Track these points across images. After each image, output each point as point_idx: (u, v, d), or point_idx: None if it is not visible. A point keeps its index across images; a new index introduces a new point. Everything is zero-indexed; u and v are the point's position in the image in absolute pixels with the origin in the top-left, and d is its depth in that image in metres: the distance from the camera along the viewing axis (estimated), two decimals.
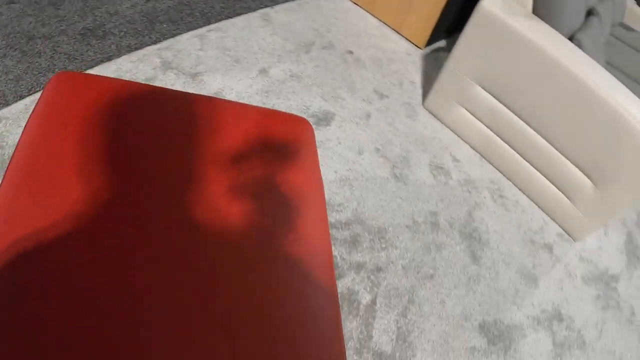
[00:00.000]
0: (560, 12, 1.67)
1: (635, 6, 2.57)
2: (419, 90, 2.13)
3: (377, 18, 2.39)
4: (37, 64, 1.61)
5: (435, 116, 2.04)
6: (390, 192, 1.68)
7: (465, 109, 1.92)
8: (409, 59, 2.26)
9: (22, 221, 0.72)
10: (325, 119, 1.82)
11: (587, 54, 1.68)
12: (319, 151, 1.73)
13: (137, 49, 1.75)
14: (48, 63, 1.62)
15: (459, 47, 1.80)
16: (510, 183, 1.94)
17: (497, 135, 1.88)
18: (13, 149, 1.36)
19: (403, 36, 2.36)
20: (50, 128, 0.86)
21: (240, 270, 0.80)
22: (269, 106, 1.77)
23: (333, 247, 1.48)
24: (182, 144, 0.94)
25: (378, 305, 1.40)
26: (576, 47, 1.62)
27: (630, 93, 1.56)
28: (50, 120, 0.87)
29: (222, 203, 0.87)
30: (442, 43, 2.46)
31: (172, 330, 0.69)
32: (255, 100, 1.78)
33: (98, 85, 0.96)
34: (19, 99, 1.51)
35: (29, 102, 1.50)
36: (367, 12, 2.41)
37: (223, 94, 1.74)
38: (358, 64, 2.11)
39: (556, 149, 1.74)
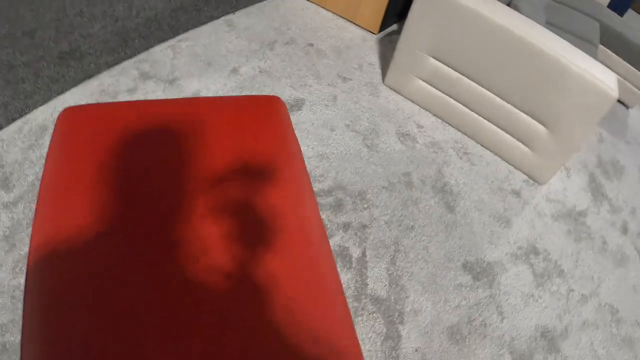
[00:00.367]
0: None
1: None
2: (378, 71, 2.31)
3: (331, 12, 2.58)
4: (22, 88, 1.73)
5: (395, 91, 2.22)
6: (364, 160, 1.85)
7: (422, 80, 2.10)
8: (366, 44, 2.45)
9: (53, 224, 0.87)
10: (297, 104, 1.98)
11: (526, 16, 1.88)
12: (295, 132, 1.88)
13: (115, 64, 1.88)
14: (32, 87, 1.74)
15: (408, 25, 1.99)
16: (473, 141, 2.13)
17: (455, 100, 2.07)
18: (12, 167, 1.49)
19: (357, 25, 2.55)
20: (66, 155, 1.02)
21: (246, 237, 0.96)
22: None
23: (320, 212, 1.63)
24: (179, 143, 1.10)
25: (368, 257, 1.55)
26: (514, 11, 1.83)
27: (568, 44, 1.77)
28: (64, 149, 1.03)
29: (218, 179, 1.03)
30: (394, 27, 2.66)
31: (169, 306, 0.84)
32: None
33: (99, 113, 1.12)
34: (12, 122, 1.62)
35: (21, 124, 1.62)
36: (321, 7, 2.60)
37: (201, 94, 1.89)
38: (320, 54, 2.28)
39: (510, 104, 1.93)
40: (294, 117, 1.92)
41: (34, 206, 1.41)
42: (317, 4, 2.60)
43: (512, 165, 2.08)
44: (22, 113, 1.65)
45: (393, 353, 1.36)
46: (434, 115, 2.17)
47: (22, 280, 1.27)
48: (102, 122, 1.08)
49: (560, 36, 2.06)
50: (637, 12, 4.62)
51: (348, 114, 2.03)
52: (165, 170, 1.02)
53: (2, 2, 2.05)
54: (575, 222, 1.98)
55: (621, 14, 3.58)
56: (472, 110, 2.05)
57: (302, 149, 1.81)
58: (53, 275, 0.82)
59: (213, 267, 0.87)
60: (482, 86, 1.95)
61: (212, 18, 2.25)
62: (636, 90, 2.86)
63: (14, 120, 1.62)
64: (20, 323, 1.22)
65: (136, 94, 1.81)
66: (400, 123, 2.08)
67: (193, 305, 0.82)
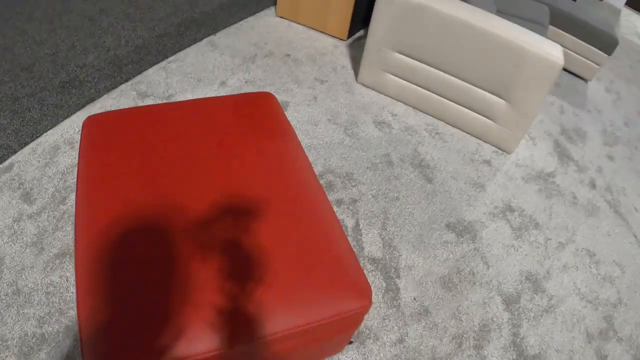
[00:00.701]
0: None
1: None
2: (351, 71, 2.54)
3: (302, 25, 2.83)
4: (29, 116, 1.90)
5: (368, 87, 2.45)
6: (347, 147, 2.05)
7: (391, 74, 2.33)
8: (337, 50, 2.68)
9: (94, 205, 1.05)
10: (283, 106, 2.18)
11: (476, 6, 2.14)
12: None
13: (113, 88, 2.07)
14: (39, 114, 1.91)
15: (372, 27, 2.22)
16: (443, 122, 2.35)
17: (422, 88, 2.30)
18: (31, 184, 1.64)
19: (327, 34, 2.79)
20: (95, 154, 1.21)
21: (274, 213, 1.15)
22: None
23: None
24: (192, 134, 1.30)
25: (361, 226, 1.73)
26: (464, 3, 2.08)
27: (515, 26, 2.02)
28: (92, 150, 1.22)
29: (232, 159, 1.22)
30: (360, 32, 2.92)
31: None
32: None
33: (118, 117, 1.31)
34: (24, 145, 1.78)
35: (34, 146, 1.78)
36: (293, 21, 2.84)
37: None
38: (297, 62, 2.50)
39: (471, 84, 2.16)
40: None
41: (57, 214, 1.57)
42: (289, 19, 2.84)
43: (480, 139, 2.30)
44: (33, 137, 1.81)
45: (394, 303, 1.52)
46: (406, 104, 2.39)
47: (54, 279, 1.41)
48: (122, 125, 1.27)
49: (511, 21, 2.31)
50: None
51: (328, 110, 2.24)
52: (184, 158, 1.20)
53: None
54: (545, 182, 2.19)
55: None
56: (439, 95, 2.28)
57: None
58: (98, 242, 0.99)
59: (235, 221, 1.06)
60: (445, 72, 2.18)
61: (196, 40, 2.46)
62: (591, 63, 3.12)
63: (26, 144, 1.79)
64: (54, 317, 1.36)
65: None
66: (375, 113, 2.29)
67: (221, 257, 1.00)
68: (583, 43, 3.07)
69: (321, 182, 1.85)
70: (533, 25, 2.56)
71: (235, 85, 2.23)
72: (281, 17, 2.85)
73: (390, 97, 2.42)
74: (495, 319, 1.56)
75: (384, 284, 1.56)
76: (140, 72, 2.17)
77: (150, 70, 2.20)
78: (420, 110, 2.38)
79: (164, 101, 2.05)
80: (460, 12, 1.98)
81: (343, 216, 1.74)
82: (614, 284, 1.82)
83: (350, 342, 1.37)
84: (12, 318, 1.32)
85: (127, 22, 2.52)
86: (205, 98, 1.42)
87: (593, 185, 2.27)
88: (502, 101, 2.13)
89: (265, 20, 2.80)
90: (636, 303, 1.77)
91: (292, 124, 2.10)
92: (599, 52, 3.03)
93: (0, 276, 1.40)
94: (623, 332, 1.66)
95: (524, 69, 1.97)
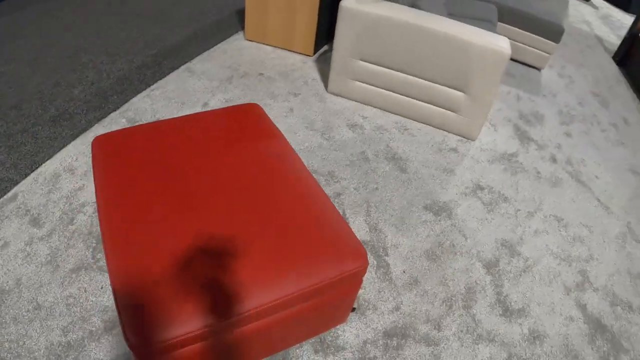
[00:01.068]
0: None
1: None
2: (321, 83, 2.75)
3: (270, 45, 3.04)
4: (25, 150, 2.00)
5: (338, 95, 2.66)
6: (326, 149, 2.24)
7: (358, 81, 2.55)
8: (305, 65, 2.90)
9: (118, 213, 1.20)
10: None
11: (427, 12, 2.39)
12: None
13: (102, 117, 2.20)
14: (34, 147, 2.02)
15: (337, 39, 2.44)
16: (410, 120, 2.57)
17: (388, 90, 2.52)
18: (37, 210, 1.75)
19: (295, 52, 3.01)
20: (108, 167, 1.36)
21: (282, 202, 1.31)
22: None
23: None
24: (193, 144, 1.46)
25: (348, 214, 1.90)
26: (417, 10, 2.32)
27: (464, 25, 2.26)
28: (105, 164, 1.36)
29: (233, 161, 1.39)
30: (325, 47, 3.15)
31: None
32: None
33: (123, 135, 1.46)
34: (25, 176, 1.89)
35: (35, 176, 1.89)
36: (262, 43, 3.05)
37: None
38: (270, 80, 2.70)
39: (431, 81, 2.39)
40: None
41: (67, 234, 1.68)
42: (257, 42, 3.05)
43: (445, 130, 2.53)
44: (32, 168, 1.92)
45: (386, 277, 1.69)
46: (374, 106, 2.61)
47: (72, 291, 1.52)
48: (128, 141, 1.42)
49: (462, 22, 2.57)
50: None
51: (305, 119, 2.43)
52: (191, 162, 1.37)
53: None
54: (509, 161, 2.42)
55: None
56: (404, 95, 2.50)
57: None
58: (126, 242, 1.14)
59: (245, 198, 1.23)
60: (407, 73, 2.41)
61: (174, 68, 2.63)
62: (542, 52, 3.42)
63: (27, 175, 1.90)
64: (77, 325, 1.47)
65: None
66: (348, 118, 2.49)
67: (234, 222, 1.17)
68: (531, 35, 3.36)
69: None
70: (483, 23, 2.83)
71: (217, 105, 2.40)
72: (250, 40, 3.06)
73: (359, 102, 2.63)
74: (478, 281, 1.74)
75: (375, 262, 1.73)
76: (126, 101, 2.32)
77: (136, 99, 2.35)
78: (388, 111, 2.60)
79: None
80: (414, 19, 2.23)
81: None
82: (584, 242, 2.03)
83: (354, 309, 1.53)
84: (36, 331, 1.41)
85: (105, 57, 2.67)
86: (199, 112, 1.59)
87: (554, 160, 2.51)
88: (460, 94, 2.36)
89: (236, 45, 3.00)
90: (606, 257, 1.99)
91: None
92: (548, 41, 3.34)
93: (19, 295, 1.49)
94: (597, 283, 1.86)
95: (476, 62, 2.22)
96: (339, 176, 2.09)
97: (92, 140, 1.44)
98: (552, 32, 3.27)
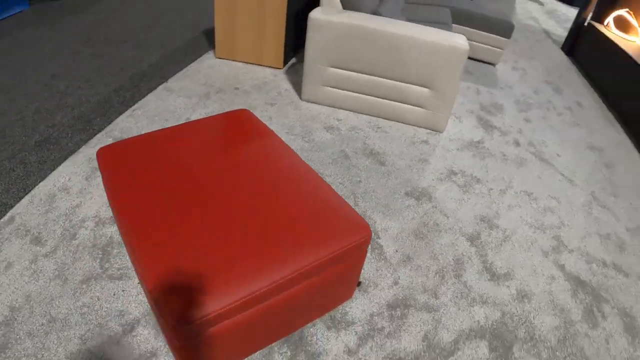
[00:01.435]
0: (360, 2, 2.58)
1: None
2: (294, 92, 2.90)
3: (241, 61, 3.17)
4: (16, 175, 2.02)
5: (312, 102, 2.81)
6: (308, 151, 2.37)
7: (330, 86, 2.71)
8: (277, 77, 3.05)
9: (135, 216, 1.29)
10: None
11: (389, 18, 2.59)
12: None
13: (89, 139, 2.25)
14: (24, 172, 2.04)
15: (308, 49, 2.61)
16: (381, 119, 2.75)
17: (358, 93, 2.70)
18: (38, 229, 1.79)
19: (265, 65, 3.16)
20: (116, 176, 1.44)
21: (291, 194, 1.43)
22: None
23: None
24: (196, 146, 1.56)
25: None
26: (379, 17, 2.52)
27: (423, 27, 2.47)
28: (114, 173, 1.44)
29: (237, 162, 1.50)
30: (294, 60, 3.32)
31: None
32: None
33: (125, 145, 1.55)
34: (20, 199, 1.91)
35: (30, 197, 1.92)
36: (232, 60, 3.18)
37: None
38: (246, 93, 2.83)
39: (397, 81, 2.59)
40: None
41: (72, 248, 1.72)
42: (228, 59, 3.18)
43: (415, 125, 2.73)
44: (26, 191, 1.95)
45: (382, 257, 1.82)
46: (347, 109, 2.78)
47: (85, 300, 1.57)
48: (132, 150, 1.51)
49: (422, 25, 2.79)
50: None
51: (284, 126, 2.56)
52: (197, 163, 1.47)
53: None
54: (477, 148, 2.64)
55: None
56: (374, 96, 2.68)
57: None
58: (152, 236, 1.23)
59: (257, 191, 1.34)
60: (375, 76, 2.60)
61: (151, 89, 2.71)
62: (495, 49, 3.72)
63: (21, 197, 1.92)
64: (95, 332, 1.51)
65: None
66: (324, 121, 2.65)
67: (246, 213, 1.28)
68: (484, 33, 3.67)
69: None
70: (439, 25, 3.07)
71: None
72: (220, 58, 3.18)
73: (333, 106, 2.79)
74: (464, 253, 1.91)
75: (370, 245, 1.86)
76: (110, 122, 2.38)
77: (119, 119, 2.41)
78: (360, 112, 2.77)
79: None
80: (379, 25, 2.42)
81: None
82: (554, 212, 2.24)
83: (359, 284, 1.65)
84: (53, 343, 1.45)
85: (82, 82, 2.72)
86: (193, 121, 1.69)
87: (517, 144, 2.75)
88: (426, 90, 2.57)
89: (208, 63, 3.12)
90: (576, 223, 2.20)
91: None
92: (499, 37, 3.65)
93: (30, 311, 1.52)
94: (571, 245, 2.06)
95: (438, 59, 2.43)
96: (324, 173, 2.22)
97: (96, 152, 1.51)
98: (503, 28, 3.58)
